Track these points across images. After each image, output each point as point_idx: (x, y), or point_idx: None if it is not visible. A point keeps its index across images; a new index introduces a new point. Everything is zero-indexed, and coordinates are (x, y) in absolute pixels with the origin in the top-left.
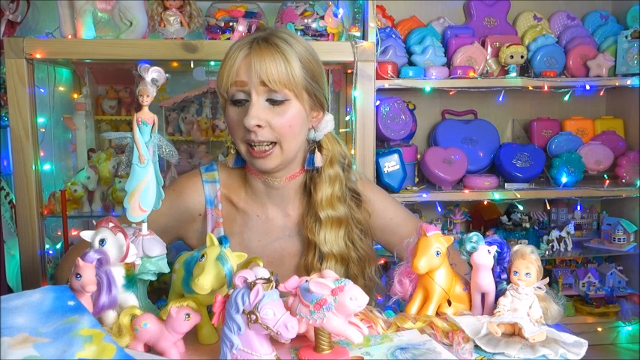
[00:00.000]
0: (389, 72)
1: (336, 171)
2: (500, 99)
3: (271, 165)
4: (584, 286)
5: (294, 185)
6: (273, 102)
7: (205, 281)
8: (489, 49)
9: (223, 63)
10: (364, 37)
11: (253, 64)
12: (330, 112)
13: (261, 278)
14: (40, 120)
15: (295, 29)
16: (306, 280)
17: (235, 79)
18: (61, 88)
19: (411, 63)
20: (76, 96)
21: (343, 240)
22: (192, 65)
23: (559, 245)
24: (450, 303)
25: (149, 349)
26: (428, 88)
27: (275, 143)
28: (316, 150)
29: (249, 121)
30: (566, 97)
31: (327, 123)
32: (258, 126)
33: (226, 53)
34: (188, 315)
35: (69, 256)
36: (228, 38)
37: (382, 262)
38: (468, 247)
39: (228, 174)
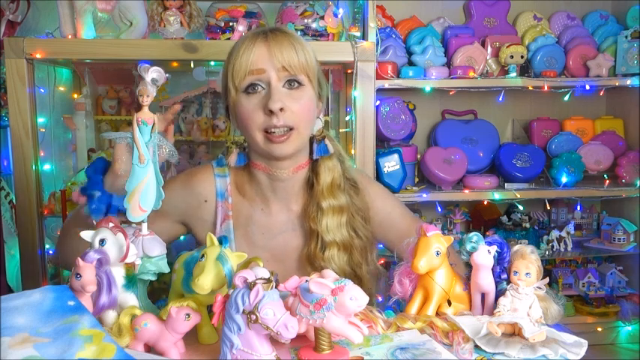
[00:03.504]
0: (389, 72)
1: (334, 162)
2: (500, 99)
3: (290, 150)
4: (584, 286)
5: (299, 178)
6: (290, 86)
7: (205, 281)
8: (489, 49)
9: (236, 55)
10: (364, 37)
11: (273, 51)
12: (331, 112)
13: (261, 278)
14: (40, 120)
15: (295, 29)
16: (306, 280)
17: (252, 68)
18: (61, 88)
19: (411, 63)
20: (76, 96)
21: (345, 228)
22: (192, 65)
23: (559, 245)
24: (450, 303)
25: (149, 349)
26: (428, 88)
27: (292, 129)
28: (326, 138)
29: (274, 105)
30: (566, 97)
31: (318, 121)
32: (281, 109)
33: (235, 48)
34: (188, 315)
35: (68, 230)
36: (228, 38)
37: (382, 262)
38: (468, 247)
39: (235, 169)
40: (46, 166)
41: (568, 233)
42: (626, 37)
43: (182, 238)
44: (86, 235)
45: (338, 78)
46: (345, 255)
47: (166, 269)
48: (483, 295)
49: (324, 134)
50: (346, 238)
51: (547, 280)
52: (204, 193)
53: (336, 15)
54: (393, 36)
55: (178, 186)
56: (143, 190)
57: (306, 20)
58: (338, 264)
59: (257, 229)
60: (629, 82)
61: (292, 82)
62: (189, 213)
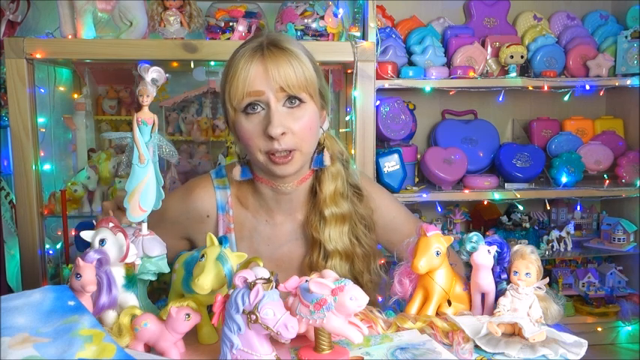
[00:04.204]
0: (389, 72)
1: (337, 168)
2: (500, 99)
3: (293, 170)
4: (584, 286)
5: (303, 189)
6: (291, 105)
7: (205, 281)
8: (489, 49)
9: (233, 75)
10: (364, 37)
11: (271, 72)
12: (331, 112)
13: (261, 278)
14: (40, 120)
15: (295, 29)
16: (306, 280)
17: (250, 90)
18: (61, 88)
19: (411, 63)
20: (76, 96)
21: (347, 237)
22: (192, 65)
23: (559, 245)
24: (450, 303)
25: (149, 349)
26: (428, 88)
27: (294, 150)
28: (324, 150)
29: (274, 130)
30: (566, 97)
31: (325, 122)
32: (283, 133)
33: (232, 64)
34: (188, 315)
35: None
36: (228, 38)
37: (382, 262)
38: (468, 247)
39: (237, 181)
40: (46, 166)
41: (568, 233)
42: (626, 37)
43: None
44: (86, 235)
45: (338, 78)
46: (347, 264)
47: (166, 269)
48: (483, 295)
49: (324, 146)
50: (348, 247)
51: (547, 280)
52: (207, 209)
53: (336, 15)
54: (393, 36)
55: (178, 203)
56: (143, 190)
57: (306, 20)
58: (340, 273)
59: (262, 240)
60: (629, 82)
61: (293, 100)
62: (192, 229)
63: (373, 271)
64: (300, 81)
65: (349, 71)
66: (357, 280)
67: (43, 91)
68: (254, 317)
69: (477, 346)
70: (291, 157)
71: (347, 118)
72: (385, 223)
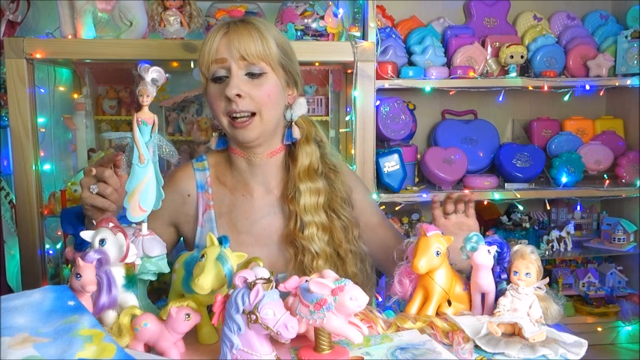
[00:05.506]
0: (389, 72)
1: (312, 147)
2: (500, 99)
3: (252, 135)
4: (584, 286)
5: (275, 162)
6: (251, 75)
7: (205, 281)
8: (489, 49)
9: (203, 44)
10: (364, 37)
11: (232, 41)
12: (331, 112)
13: (261, 278)
14: (40, 120)
15: (295, 29)
16: (306, 280)
17: (215, 57)
18: (61, 88)
19: (411, 63)
20: (76, 96)
21: (323, 208)
22: (192, 65)
23: (559, 245)
24: (450, 303)
25: (149, 349)
26: (428, 88)
27: (254, 114)
28: (293, 124)
29: (230, 91)
30: (566, 97)
31: (301, 105)
32: (239, 95)
33: (206, 37)
34: (188, 315)
35: None
36: None
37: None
38: (468, 247)
39: (215, 159)
40: (46, 166)
41: (568, 233)
42: (626, 37)
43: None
44: (86, 235)
45: (338, 78)
46: (326, 235)
47: (166, 269)
48: (483, 295)
49: (292, 120)
50: (325, 220)
51: (547, 280)
52: (187, 188)
53: (336, 15)
54: (393, 36)
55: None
56: (143, 190)
57: (306, 20)
58: (319, 245)
59: (240, 214)
60: (629, 82)
61: (254, 73)
62: (176, 211)
63: (352, 241)
64: (259, 51)
65: (349, 71)
66: (338, 253)
67: (43, 91)
68: (254, 317)
69: (477, 346)
70: (250, 122)
71: (347, 118)
72: (364, 223)
